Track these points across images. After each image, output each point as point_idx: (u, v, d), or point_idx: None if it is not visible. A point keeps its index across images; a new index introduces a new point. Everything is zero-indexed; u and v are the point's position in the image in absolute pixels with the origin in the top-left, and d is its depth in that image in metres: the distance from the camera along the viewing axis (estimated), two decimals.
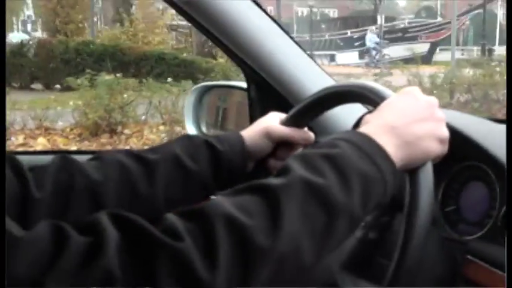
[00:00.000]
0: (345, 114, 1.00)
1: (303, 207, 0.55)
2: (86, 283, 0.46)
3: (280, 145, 0.84)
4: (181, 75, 6.96)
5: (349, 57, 19.05)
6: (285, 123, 0.84)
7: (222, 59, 8.32)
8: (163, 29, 12.73)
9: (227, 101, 1.48)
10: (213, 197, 0.78)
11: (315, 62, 1.10)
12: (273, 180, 0.57)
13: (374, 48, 17.66)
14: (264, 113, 0.99)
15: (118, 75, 6.99)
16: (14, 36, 12.90)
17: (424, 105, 0.67)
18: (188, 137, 0.83)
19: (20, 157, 0.74)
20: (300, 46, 1.09)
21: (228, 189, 0.59)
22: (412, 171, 0.64)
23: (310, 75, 1.06)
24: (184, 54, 10.43)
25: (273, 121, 0.85)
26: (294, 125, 0.84)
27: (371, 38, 18.06)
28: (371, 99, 0.69)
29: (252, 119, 1.17)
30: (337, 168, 0.59)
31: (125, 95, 6.12)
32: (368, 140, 0.62)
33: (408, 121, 0.65)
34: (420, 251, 0.62)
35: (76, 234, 0.49)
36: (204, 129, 1.39)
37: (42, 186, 0.71)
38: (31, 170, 0.73)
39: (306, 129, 0.85)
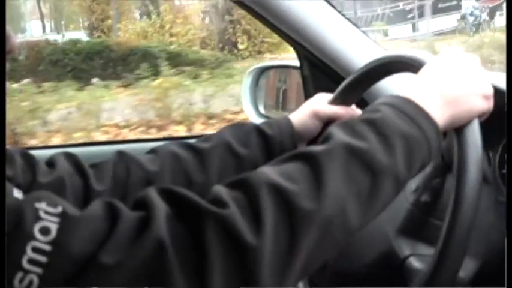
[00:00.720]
0: (398, 84, 1.01)
1: (347, 170, 0.56)
2: (138, 254, 0.48)
3: (331, 123, 0.85)
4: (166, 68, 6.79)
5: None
6: (333, 102, 0.87)
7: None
8: (191, 18, 12.46)
9: (287, 82, 1.51)
10: None
11: (367, 36, 1.10)
12: (316, 147, 0.58)
13: (471, 14, 16.69)
14: (317, 90, 1.02)
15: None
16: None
17: (466, 63, 0.68)
18: (238, 124, 0.87)
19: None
20: (350, 20, 1.10)
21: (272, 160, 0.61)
22: (458, 129, 0.65)
23: (362, 49, 1.07)
24: (172, 47, 10.17)
25: (320, 101, 0.88)
26: (342, 103, 0.87)
27: (467, 4, 17.10)
28: (412, 66, 0.71)
29: (307, 96, 1.20)
30: (379, 131, 0.59)
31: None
32: (409, 102, 0.63)
33: (450, 80, 0.65)
34: (472, 211, 0.63)
35: (127, 210, 0.52)
36: (262, 110, 1.43)
37: (102, 180, 0.77)
38: (92, 166, 0.79)
39: (353, 106, 0.87)
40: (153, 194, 0.53)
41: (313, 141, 0.86)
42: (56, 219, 0.48)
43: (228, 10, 11.36)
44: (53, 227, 0.47)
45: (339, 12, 1.10)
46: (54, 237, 0.47)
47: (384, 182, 0.58)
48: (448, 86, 0.65)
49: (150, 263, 0.48)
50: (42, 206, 0.48)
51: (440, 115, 0.63)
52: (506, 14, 0.75)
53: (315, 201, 0.53)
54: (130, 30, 12.40)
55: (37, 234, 0.47)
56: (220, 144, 0.83)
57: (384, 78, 0.84)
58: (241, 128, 0.86)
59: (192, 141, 0.85)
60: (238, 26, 11.35)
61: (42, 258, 0.46)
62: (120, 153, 0.81)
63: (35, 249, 0.46)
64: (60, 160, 0.78)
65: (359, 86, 0.85)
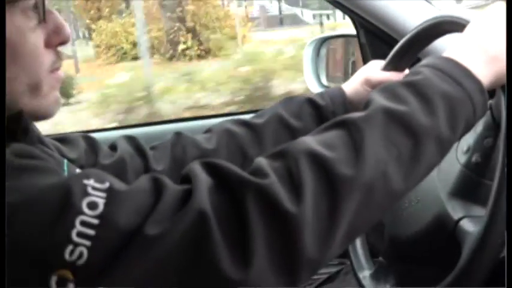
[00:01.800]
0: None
1: (386, 134, 0.56)
2: (181, 225, 0.50)
3: None
4: None
5: None
6: (385, 68, 0.87)
7: None
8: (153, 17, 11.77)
9: (355, 55, 1.50)
10: None
11: None
12: (355, 114, 0.59)
13: None
14: (375, 57, 1.02)
15: None
16: None
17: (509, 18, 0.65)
18: (290, 98, 0.89)
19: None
20: None
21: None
22: (504, 86, 0.63)
23: (416, 11, 1.04)
24: None
25: (372, 68, 0.88)
26: (394, 69, 0.86)
27: None
28: (460, 25, 0.69)
29: (365, 64, 1.19)
30: (419, 93, 0.59)
31: None
32: (451, 61, 0.62)
33: (493, 36, 0.64)
34: None
35: (171, 183, 0.54)
36: (324, 81, 1.43)
37: (161, 161, 0.81)
38: (151, 148, 0.84)
39: (406, 71, 0.86)
40: (196, 167, 0.55)
41: None
42: (103, 194, 0.51)
43: (173, 7, 10.81)
44: (100, 202, 0.50)
45: None
46: (101, 211, 0.49)
47: (426, 144, 0.57)
48: (493, 41, 0.63)
49: (193, 234, 0.50)
50: (90, 182, 0.51)
51: (485, 73, 0.62)
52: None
53: (355, 167, 0.54)
54: (104, 31, 12.24)
55: (85, 209, 0.49)
56: (274, 118, 0.85)
57: (436, 40, 0.83)
58: (294, 101, 0.87)
59: (246, 117, 0.88)
60: (181, 24, 10.81)
61: (91, 232, 0.49)
62: (178, 134, 0.85)
63: (83, 223, 0.49)
64: (121, 143, 0.83)
65: (410, 50, 0.84)
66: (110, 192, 0.51)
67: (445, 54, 0.64)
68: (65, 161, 0.68)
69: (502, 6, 0.67)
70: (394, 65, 0.85)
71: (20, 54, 0.57)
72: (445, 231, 0.74)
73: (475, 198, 0.74)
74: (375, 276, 0.92)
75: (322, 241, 0.52)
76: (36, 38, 0.59)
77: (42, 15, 0.59)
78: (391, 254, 0.91)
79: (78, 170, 0.67)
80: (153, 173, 0.56)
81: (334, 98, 0.87)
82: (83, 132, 0.87)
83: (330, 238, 0.53)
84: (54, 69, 0.62)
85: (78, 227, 0.48)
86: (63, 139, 0.79)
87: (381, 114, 0.57)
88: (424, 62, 0.64)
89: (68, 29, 0.62)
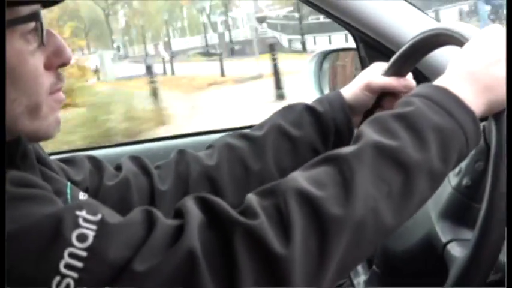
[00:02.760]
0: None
1: (377, 171, 0.55)
2: (170, 262, 0.49)
3: (385, 95, 0.85)
4: None
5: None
6: (386, 73, 0.84)
7: None
8: None
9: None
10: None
11: (416, 7, 1.07)
12: (345, 149, 0.58)
13: None
14: None
15: None
16: None
17: (504, 44, 0.63)
18: (289, 106, 0.87)
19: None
20: None
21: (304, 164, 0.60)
22: (496, 114, 0.62)
23: (415, 24, 1.04)
24: None
25: (373, 73, 0.86)
26: (395, 74, 0.84)
27: None
28: (458, 40, 0.68)
29: None
30: (411, 126, 0.58)
31: None
32: (443, 91, 0.61)
33: (487, 63, 0.62)
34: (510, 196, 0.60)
35: (163, 218, 0.53)
36: None
37: (166, 179, 0.81)
38: (156, 167, 0.83)
39: (409, 76, 0.84)
40: (190, 202, 0.55)
41: (370, 112, 0.85)
42: (93, 226, 0.50)
43: None
44: (90, 234, 0.50)
45: None
46: (90, 244, 0.49)
47: (417, 179, 0.56)
48: (486, 69, 0.62)
49: (182, 272, 0.49)
50: (82, 213, 0.51)
51: (479, 101, 0.60)
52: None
53: (344, 205, 0.53)
54: None
55: (74, 241, 0.49)
56: (273, 129, 0.83)
57: (436, 49, 0.82)
58: (292, 110, 0.86)
59: (246, 130, 0.87)
60: None
61: (78, 264, 0.48)
62: (181, 152, 0.84)
63: (72, 255, 0.49)
64: (126, 162, 0.83)
65: (413, 55, 0.82)
66: (101, 225, 0.51)
67: (437, 83, 0.63)
68: (69, 184, 0.68)
69: (499, 29, 0.65)
70: (395, 70, 0.84)
71: (20, 76, 0.57)
72: (433, 252, 0.73)
73: (465, 221, 0.73)
74: (369, 283, 0.92)
75: (311, 281, 0.52)
76: (36, 60, 0.59)
77: (41, 38, 0.59)
78: (384, 265, 0.91)
79: (81, 193, 0.68)
80: (147, 206, 0.56)
81: (333, 103, 0.85)
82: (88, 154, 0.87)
83: (319, 277, 0.53)
84: (55, 90, 0.62)
85: (66, 259, 0.48)
86: (68, 160, 0.80)
87: (371, 149, 0.56)
88: (416, 91, 0.63)
89: (68, 50, 0.62)
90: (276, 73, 9.98)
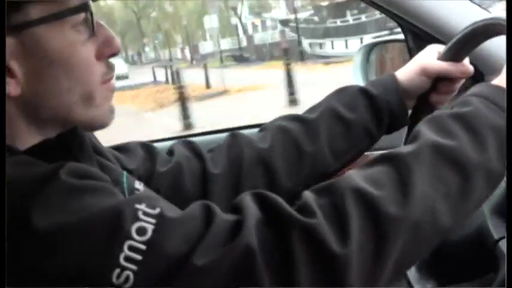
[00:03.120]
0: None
1: (435, 171, 0.55)
2: (227, 257, 0.50)
3: (441, 79, 0.82)
4: None
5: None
6: (442, 57, 0.82)
7: None
8: None
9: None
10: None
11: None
12: (403, 149, 0.57)
13: None
14: None
15: None
16: None
17: None
18: (342, 89, 0.86)
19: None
20: None
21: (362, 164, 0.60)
22: None
23: (464, 14, 1.01)
24: None
25: (430, 56, 0.84)
26: (451, 59, 0.82)
27: None
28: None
29: None
30: (469, 126, 0.57)
31: None
32: (501, 91, 0.60)
33: None
34: None
35: (221, 213, 0.53)
36: None
37: (218, 163, 0.80)
38: (209, 151, 0.83)
39: (466, 61, 0.82)
40: (247, 198, 0.55)
41: (425, 96, 0.83)
42: (153, 220, 0.51)
43: None
44: (149, 228, 0.50)
45: None
46: (149, 238, 0.50)
47: (475, 180, 0.56)
48: None
49: (239, 267, 0.50)
50: (141, 207, 0.51)
51: None
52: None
53: (402, 205, 0.53)
54: None
55: (134, 234, 0.50)
56: (327, 111, 0.83)
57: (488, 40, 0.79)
58: (346, 92, 0.85)
59: (298, 113, 0.86)
60: None
61: (138, 257, 0.49)
62: (233, 135, 0.84)
63: (131, 248, 0.49)
64: (178, 147, 0.83)
65: (469, 43, 0.80)
66: (160, 219, 0.51)
67: (495, 82, 0.61)
68: (125, 173, 0.69)
69: None
70: (452, 54, 0.81)
71: (73, 67, 0.58)
72: (484, 246, 0.71)
73: None
74: (419, 270, 0.91)
75: (367, 280, 0.52)
76: (88, 50, 0.60)
77: (92, 29, 0.60)
78: (433, 253, 0.89)
79: (136, 182, 0.69)
80: (205, 201, 0.56)
81: (387, 87, 0.83)
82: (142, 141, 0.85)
83: (375, 277, 0.52)
84: (106, 80, 0.62)
85: (126, 251, 0.49)
86: (122, 148, 0.80)
87: (429, 149, 0.56)
88: (473, 90, 0.62)
89: (117, 40, 0.62)
90: (289, 78, 9.83)
